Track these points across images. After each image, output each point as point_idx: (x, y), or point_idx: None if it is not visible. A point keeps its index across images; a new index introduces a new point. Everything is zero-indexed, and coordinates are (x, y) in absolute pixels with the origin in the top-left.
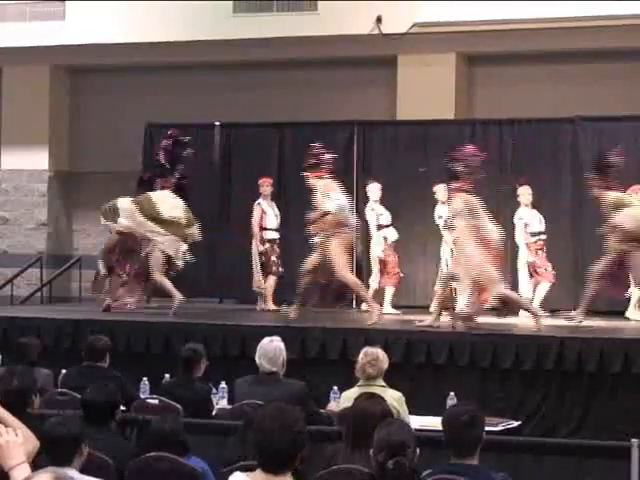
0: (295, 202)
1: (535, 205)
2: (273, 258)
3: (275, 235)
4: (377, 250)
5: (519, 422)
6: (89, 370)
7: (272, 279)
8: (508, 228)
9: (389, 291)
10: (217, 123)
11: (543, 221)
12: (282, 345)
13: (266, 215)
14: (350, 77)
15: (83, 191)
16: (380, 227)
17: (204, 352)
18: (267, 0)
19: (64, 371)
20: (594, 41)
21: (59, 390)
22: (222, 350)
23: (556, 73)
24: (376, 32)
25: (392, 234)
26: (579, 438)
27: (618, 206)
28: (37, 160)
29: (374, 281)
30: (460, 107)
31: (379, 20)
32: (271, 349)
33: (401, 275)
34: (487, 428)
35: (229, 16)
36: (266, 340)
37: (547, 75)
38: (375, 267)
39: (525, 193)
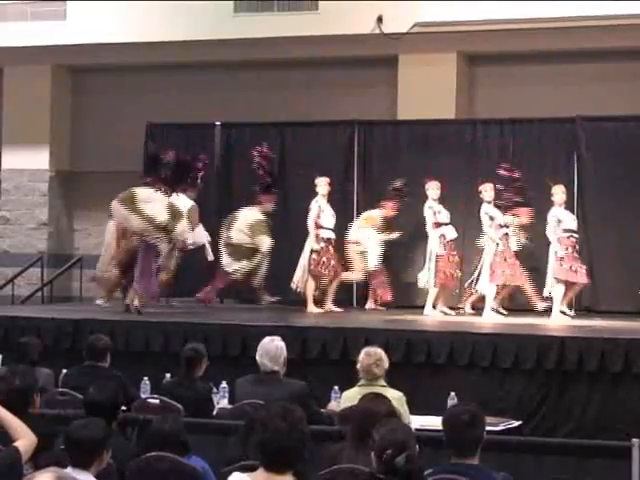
0: (295, 202)
1: (536, 204)
2: (324, 259)
3: (331, 234)
4: (434, 247)
5: (519, 422)
6: (90, 370)
7: (328, 281)
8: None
9: (432, 292)
10: (217, 123)
11: (576, 221)
12: (283, 344)
13: (323, 213)
14: (351, 77)
15: (84, 191)
16: (438, 225)
17: (205, 352)
18: (268, 0)
19: (65, 371)
20: (595, 41)
21: (60, 390)
22: (222, 350)
23: (557, 73)
24: (377, 32)
25: (450, 232)
26: (579, 438)
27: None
28: (38, 160)
29: (429, 281)
30: (461, 107)
31: (380, 20)
32: (272, 348)
33: (455, 275)
34: (487, 428)
35: (230, 16)
36: (267, 339)
37: (548, 75)
38: (432, 265)
39: (559, 192)
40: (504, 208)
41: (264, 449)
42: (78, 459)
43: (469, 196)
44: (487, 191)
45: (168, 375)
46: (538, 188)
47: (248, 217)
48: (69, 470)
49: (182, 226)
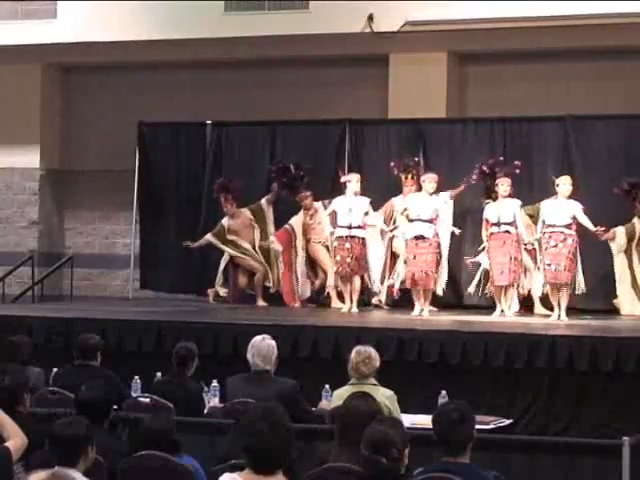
0: (285, 201)
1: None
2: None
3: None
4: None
5: (510, 420)
6: (80, 369)
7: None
8: None
9: (414, 292)
10: (208, 122)
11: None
12: (274, 343)
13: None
14: (342, 76)
15: (75, 189)
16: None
17: (196, 351)
18: None
19: (55, 370)
20: (586, 40)
21: (50, 389)
22: (214, 348)
23: (548, 72)
24: (368, 31)
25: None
26: (570, 436)
27: None
28: (29, 158)
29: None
30: (452, 106)
31: (371, 19)
32: (263, 347)
33: (429, 272)
34: (479, 427)
35: (220, 15)
36: (258, 338)
37: (538, 74)
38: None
39: (566, 183)
40: None
41: (248, 452)
42: (63, 458)
43: (459, 195)
44: (503, 185)
45: (159, 374)
46: (528, 187)
47: None
48: (56, 469)
49: None
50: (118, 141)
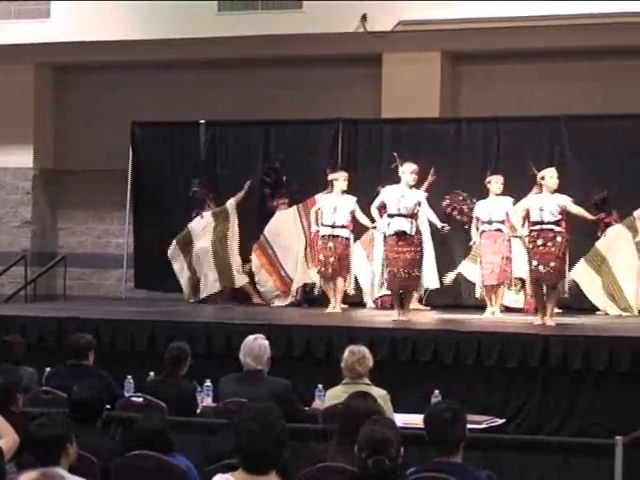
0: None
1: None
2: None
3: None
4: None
5: (503, 420)
6: (73, 368)
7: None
8: None
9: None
10: (202, 121)
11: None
12: (266, 343)
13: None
14: (335, 75)
15: (68, 189)
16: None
17: (189, 350)
18: None
19: (48, 369)
20: (580, 39)
21: (43, 388)
22: (207, 348)
23: (541, 72)
24: (361, 30)
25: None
26: (563, 436)
27: None
28: (22, 158)
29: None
30: (445, 105)
31: (364, 18)
32: (255, 347)
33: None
34: (472, 426)
35: (214, 14)
36: (250, 338)
37: (532, 74)
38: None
39: (554, 176)
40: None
41: (240, 453)
42: (44, 458)
43: (431, 186)
44: (497, 183)
45: (152, 374)
46: (522, 187)
47: None
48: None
49: None
50: (111, 141)
